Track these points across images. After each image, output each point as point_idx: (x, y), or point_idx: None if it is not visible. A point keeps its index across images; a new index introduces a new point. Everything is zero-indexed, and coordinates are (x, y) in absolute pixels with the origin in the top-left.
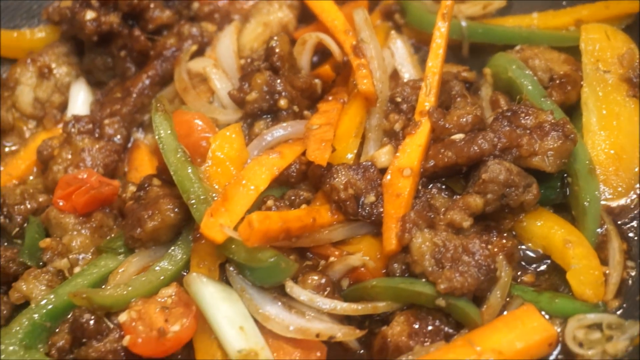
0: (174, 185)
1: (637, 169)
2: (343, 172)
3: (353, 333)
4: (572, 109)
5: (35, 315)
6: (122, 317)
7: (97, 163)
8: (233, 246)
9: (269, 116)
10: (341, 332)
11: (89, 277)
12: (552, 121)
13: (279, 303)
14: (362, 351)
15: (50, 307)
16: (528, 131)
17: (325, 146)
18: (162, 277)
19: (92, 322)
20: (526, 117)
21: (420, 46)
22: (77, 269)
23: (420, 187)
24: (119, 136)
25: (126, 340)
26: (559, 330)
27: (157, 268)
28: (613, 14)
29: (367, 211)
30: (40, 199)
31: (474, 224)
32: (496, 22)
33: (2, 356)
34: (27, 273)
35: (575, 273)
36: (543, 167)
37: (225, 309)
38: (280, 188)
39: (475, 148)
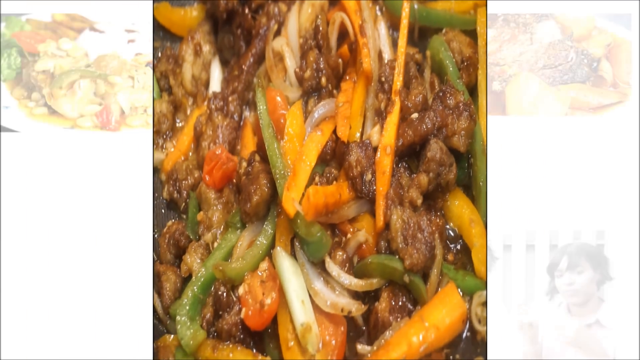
0: (267, 160)
1: None
2: (355, 150)
3: (361, 308)
4: (473, 91)
5: (195, 288)
6: (241, 290)
7: (225, 139)
8: (298, 220)
9: (316, 94)
10: (354, 307)
11: (222, 251)
12: (464, 101)
13: (322, 279)
14: (364, 327)
15: (202, 280)
16: (450, 111)
17: (347, 123)
18: (261, 252)
19: (224, 294)
20: (450, 97)
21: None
22: (215, 244)
23: (394, 166)
24: (237, 114)
25: (243, 313)
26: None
27: (257, 242)
28: None
29: (367, 188)
30: (196, 175)
31: (423, 202)
32: (431, 5)
33: (178, 327)
34: (190, 246)
35: (475, 251)
36: (458, 147)
37: (294, 283)
38: (320, 165)
39: (424, 127)
